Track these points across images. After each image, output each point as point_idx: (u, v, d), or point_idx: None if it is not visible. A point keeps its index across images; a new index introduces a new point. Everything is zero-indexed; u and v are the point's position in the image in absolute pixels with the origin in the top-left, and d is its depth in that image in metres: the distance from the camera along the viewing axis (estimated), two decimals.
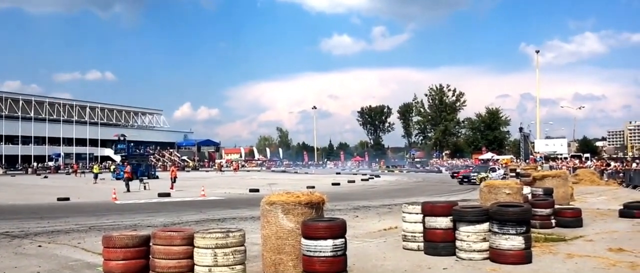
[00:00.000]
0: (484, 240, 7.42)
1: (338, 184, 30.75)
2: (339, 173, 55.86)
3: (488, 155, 72.81)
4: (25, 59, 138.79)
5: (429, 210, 8.07)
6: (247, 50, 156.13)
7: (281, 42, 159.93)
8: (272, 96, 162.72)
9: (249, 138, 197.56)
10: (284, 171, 67.74)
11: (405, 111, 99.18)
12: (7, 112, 77.33)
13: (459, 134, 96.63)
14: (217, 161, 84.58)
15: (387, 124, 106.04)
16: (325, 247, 6.38)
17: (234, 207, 17.66)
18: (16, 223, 13.24)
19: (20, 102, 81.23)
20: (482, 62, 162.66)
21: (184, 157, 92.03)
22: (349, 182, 34.49)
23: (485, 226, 7.43)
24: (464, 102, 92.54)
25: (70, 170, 59.01)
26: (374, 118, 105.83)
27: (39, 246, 9.57)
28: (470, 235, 7.44)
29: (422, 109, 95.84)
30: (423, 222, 8.11)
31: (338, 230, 6.58)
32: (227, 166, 76.46)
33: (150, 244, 6.40)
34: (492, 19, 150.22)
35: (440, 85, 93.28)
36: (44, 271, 7.43)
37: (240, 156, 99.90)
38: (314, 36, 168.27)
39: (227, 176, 49.03)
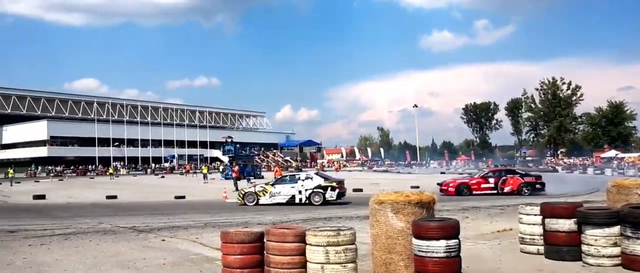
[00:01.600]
0: (615, 244, 6.80)
1: None
2: (444, 173, 54.29)
3: (611, 152, 67.30)
4: (141, 68, 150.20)
5: (549, 211, 7.56)
6: (345, 51, 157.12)
7: (379, 41, 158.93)
8: (372, 95, 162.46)
9: (349, 138, 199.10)
10: (386, 171, 67.22)
11: (514, 107, 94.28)
12: (128, 118, 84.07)
13: (576, 131, 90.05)
14: (319, 161, 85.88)
15: (494, 121, 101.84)
16: (438, 247, 6.19)
17: (339, 206, 17.77)
18: (141, 218, 14.28)
19: (139, 108, 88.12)
20: (599, 53, 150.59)
21: (287, 158, 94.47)
22: None
23: (616, 229, 6.80)
24: (581, 95, 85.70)
25: (183, 171, 62.77)
26: (479, 115, 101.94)
27: (163, 240, 10.22)
28: (599, 239, 6.85)
29: (532, 105, 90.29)
30: (542, 224, 7.64)
31: (451, 230, 6.35)
32: (328, 166, 77.41)
33: (264, 240, 6.59)
34: (609, 4, 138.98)
35: (553, 79, 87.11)
36: (168, 263, 7.90)
37: (342, 156, 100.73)
38: (413, 33, 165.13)
39: None
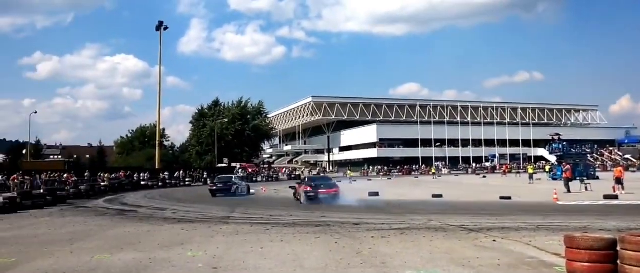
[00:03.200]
0: None
1: None
2: None
3: None
4: (459, 69, 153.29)
5: None
6: None
7: None
8: None
9: None
10: None
11: None
12: (448, 118, 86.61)
13: None
14: None
15: None
16: None
17: None
18: (469, 218, 14.33)
19: (459, 109, 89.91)
20: None
21: (627, 156, 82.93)
22: None
23: None
24: None
25: (502, 171, 61.24)
26: None
27: (494, 240, 9.99)
28: None
29: None
30: None
31: None
32: None
33: (618, 249, 5.80)
34: None
35: None
36: (503, 264, 7.64)
37: None
38: None
39: None
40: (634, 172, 58.93)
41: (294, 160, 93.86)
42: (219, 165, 62.10)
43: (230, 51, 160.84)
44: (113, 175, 42.44)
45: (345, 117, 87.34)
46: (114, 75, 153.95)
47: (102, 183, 35.92)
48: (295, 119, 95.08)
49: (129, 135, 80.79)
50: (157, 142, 58.37)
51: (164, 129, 73.49)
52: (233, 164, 61.22)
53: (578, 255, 5.90)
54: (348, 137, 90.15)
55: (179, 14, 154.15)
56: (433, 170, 63.76)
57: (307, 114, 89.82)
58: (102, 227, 14.05)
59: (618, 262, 5.78)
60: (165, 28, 55.10)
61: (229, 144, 68.93)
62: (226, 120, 69.16)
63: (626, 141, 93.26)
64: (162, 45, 55.41)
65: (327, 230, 12.12)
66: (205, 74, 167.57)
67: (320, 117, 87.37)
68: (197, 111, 76.13)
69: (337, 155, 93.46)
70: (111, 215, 17.78)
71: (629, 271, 5.52)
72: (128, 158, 70.74)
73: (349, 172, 53.27)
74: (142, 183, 42.11)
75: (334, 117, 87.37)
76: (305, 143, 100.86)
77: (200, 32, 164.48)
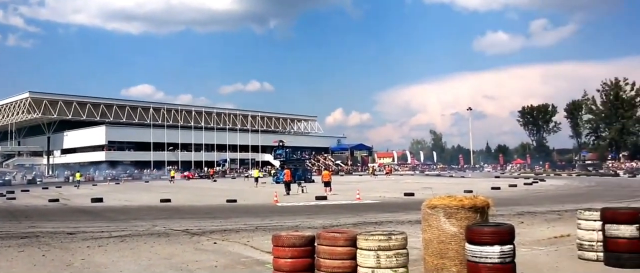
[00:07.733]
0: None
1: (498, 188, 28.90)
2: (498, 177, 53.12)
3: None
4: (195, 74, 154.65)
5: (610, 217, 7.24)
6: (396, 54, 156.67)
7: (431, 44, 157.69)
8: (423, 99, 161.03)
9: (401, 142, 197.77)
10: (438, 175, 66.26)
11: (574, 109, 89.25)
12: (182, 123, 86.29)
13: None
14: (370, 165, 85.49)
15: (552, 124, 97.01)
16: (492, 253, 6.00)
17: (390, 210, 17.60)
18: (194, 222, 14.57)
19: (193, 113, 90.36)
20: None
21: (338, 162, 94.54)
22: (511, 186, 32.16)
23: None
24: None
25: (234, 174, 63.82)
26: (536, 118, 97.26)
27: (214, 243, 10.39)
28: None
29: (593, 107, 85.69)
30: (603, 230, 7.32)
31: (506, 235, 6.15)
32: (379, 170, 76.93)
33: (315, 244, 6.60)
34: None
35: (616, 79, 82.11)
36: (220, 265, 8.03)
37: (393, 160, 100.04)
38: (466, 36, 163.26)
39: (381, 180, 49.25)
40: (343, 175, 67.60)
41: (5, 164, 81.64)
42: None
43: None
44: None
45: (70, 117, 79.52)
46: None
47: None
48: (8, 116, 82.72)
49: None
50: None
51: None
52: None
53: (283, 252, 6.50)
54: (72, 138, 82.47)
55: None
56: (173, 174, 62.43)
57: (23, 111, 79.05)
58: None
59: (315, 256, 6.58)
60: None
61: None
62: None
63: (337, 148, 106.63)
64: None
65: (34, 242, 10.93)
66: None
67: (40, 115, 77.80)
68: None
69: (58, 158, 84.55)
70: None
71: (322, 263, 6.33)
72: None
73: (77, 174, 48.04)
74: None
75: (56, 116, 78.68)
76: (19, 144, 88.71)
77: None
